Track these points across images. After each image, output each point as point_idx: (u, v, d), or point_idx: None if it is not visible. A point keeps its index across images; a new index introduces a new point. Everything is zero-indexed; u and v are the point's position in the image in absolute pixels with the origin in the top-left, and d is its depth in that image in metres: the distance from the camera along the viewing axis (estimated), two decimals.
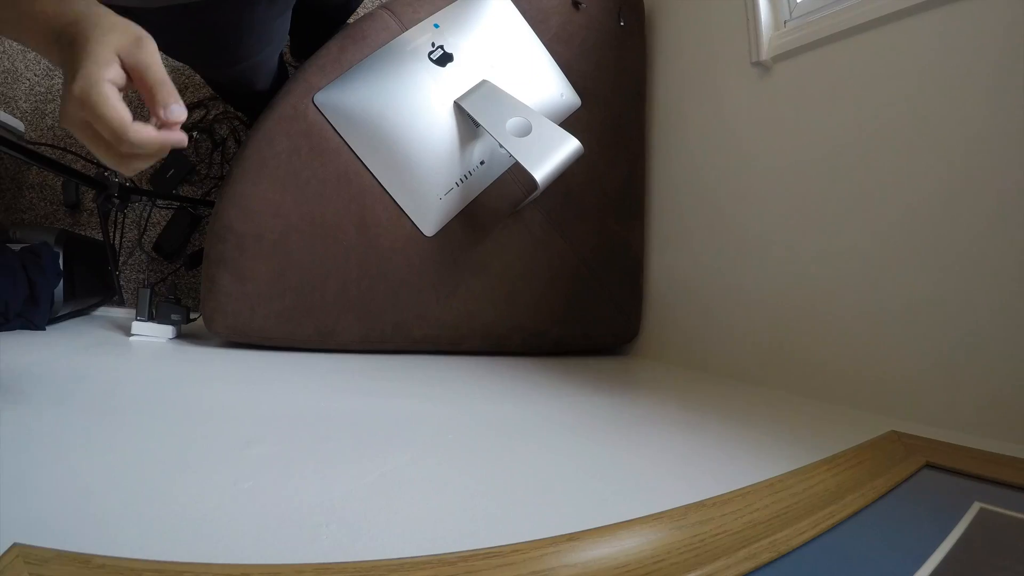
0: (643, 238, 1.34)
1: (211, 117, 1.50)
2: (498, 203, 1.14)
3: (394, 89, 1.05)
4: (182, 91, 1.52)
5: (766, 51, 1.04)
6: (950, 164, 0.77)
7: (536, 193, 1.06)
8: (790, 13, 1.05)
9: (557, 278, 1.22)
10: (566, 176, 1.21)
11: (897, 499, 0.53)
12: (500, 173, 1.13)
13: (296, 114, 1.01)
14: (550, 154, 0.99)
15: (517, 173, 1.13)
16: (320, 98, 1.02)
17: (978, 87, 0.74)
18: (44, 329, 1.04)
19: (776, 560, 0.40)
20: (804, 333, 0.95)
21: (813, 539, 0.43)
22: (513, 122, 1.01)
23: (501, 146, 1.01)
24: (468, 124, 1.08)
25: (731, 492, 0.49)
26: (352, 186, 1.04)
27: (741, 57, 1.09)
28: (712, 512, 0.45)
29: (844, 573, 0.41)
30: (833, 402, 0.88)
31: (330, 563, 0.33)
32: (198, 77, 1.43)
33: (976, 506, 0.50)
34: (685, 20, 1.29)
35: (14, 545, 0.30)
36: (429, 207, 1.07)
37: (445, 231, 1.09)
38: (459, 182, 1.08)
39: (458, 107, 1.06)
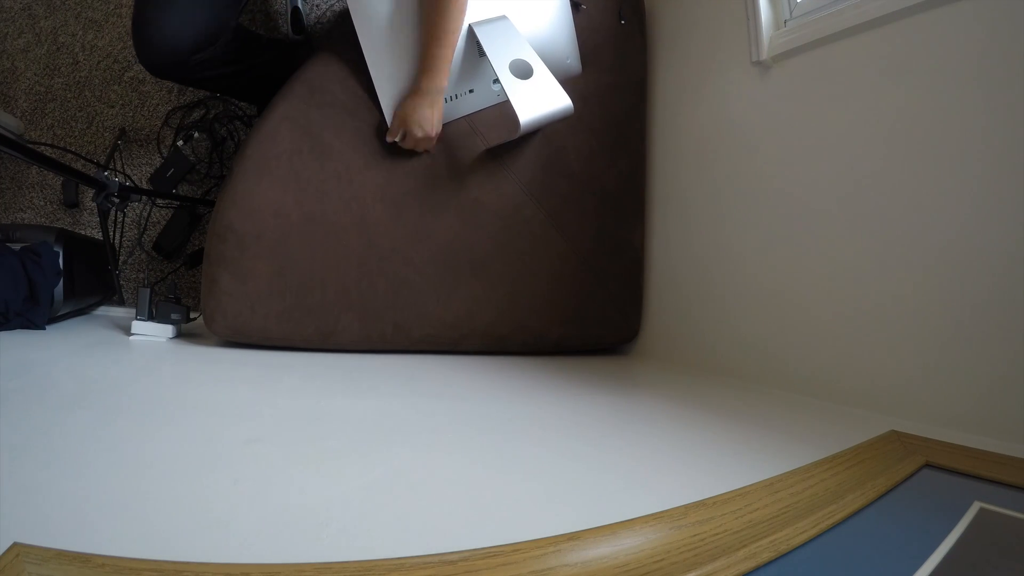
0: (643, 238, 1.34)
1: (211, 117, 1.50)
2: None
3: None
4: (182, 90, 1.52)
5: (766, 51, 1.04)
6: (950, 163, 0.77)
7: (514, 136, 1.07)
8: (790, 13, 1.05)
9: (557, 278, 1.22)
10: (567, 175, 1.22)
11: (897, 499, 0.53)
12: (482, 107, 1.15)
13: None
14: (540, 103, 1.02)
15: (486, 127, 1.16)
16: None
17: (977, 87, 0.74)
18: (44, 328, 1.04)
19: (776, 560, 0.40)
20: (804, 332, 0.95)
21: (813, 539, 0.43)
22: (516, 63, 1.04)
23: (496, 81, 1.03)
24: (473, 51, 1.09)
25: (731, 491, 0.49)
26: (353, 186, 1.04)
27: (741, 57, 1.09)
28: (712, 511, 0.45)
29: (844, 573, 0.41)
30: (833, 402, 0.88)
31: (330, 563, 0.33)
32: None
33: (976, 506, 0.50)
34: (685, 19, 1.29)
35: (14, 544, 0.30)
36: None
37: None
38: (445, 99, 1.09)
39: (471, 32, 1.08)
